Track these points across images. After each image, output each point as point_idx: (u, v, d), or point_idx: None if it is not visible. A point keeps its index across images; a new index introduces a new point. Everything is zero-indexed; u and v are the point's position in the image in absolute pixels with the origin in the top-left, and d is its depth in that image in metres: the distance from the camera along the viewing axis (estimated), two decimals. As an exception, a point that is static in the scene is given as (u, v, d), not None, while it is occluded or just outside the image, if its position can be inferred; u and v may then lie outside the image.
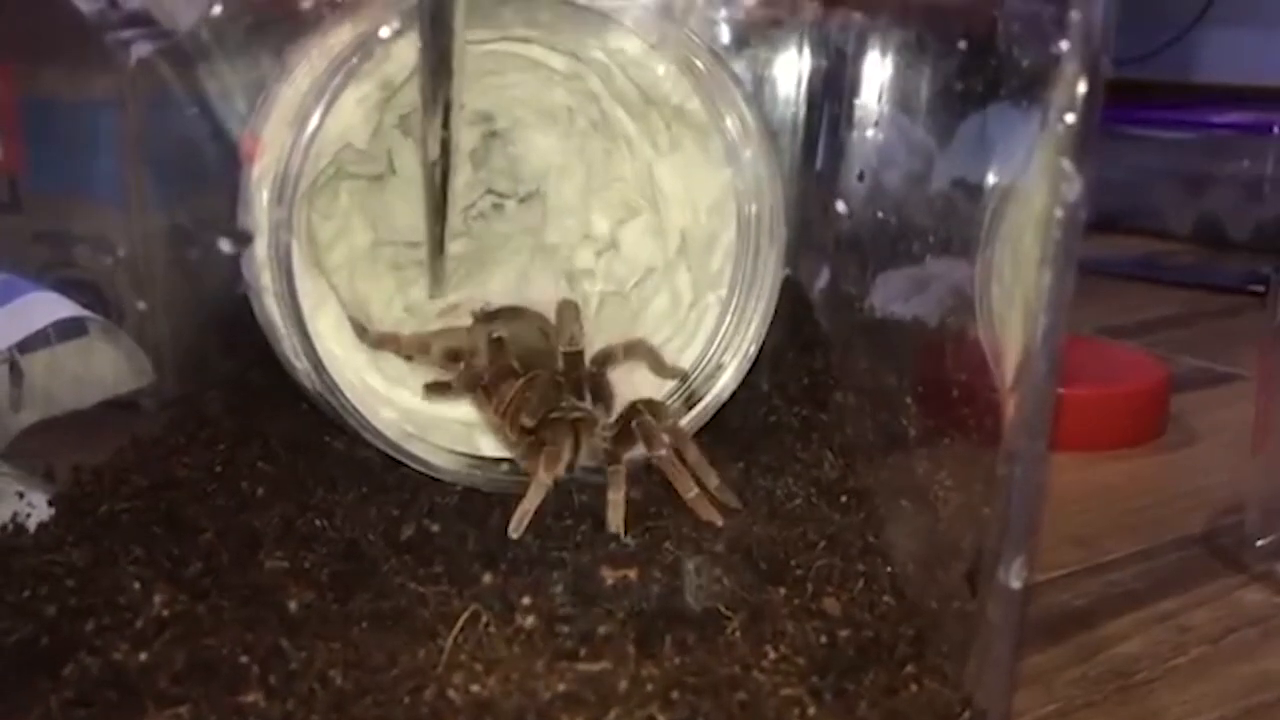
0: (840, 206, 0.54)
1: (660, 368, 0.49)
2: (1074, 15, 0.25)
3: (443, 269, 0.50)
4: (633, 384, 0.49)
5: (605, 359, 0.47)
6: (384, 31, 0.40)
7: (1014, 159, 0.34)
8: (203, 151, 0.54)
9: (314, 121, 0.40)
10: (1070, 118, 0.25)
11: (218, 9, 0.52)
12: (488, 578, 0.37)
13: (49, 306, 0.50)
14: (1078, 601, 0.45)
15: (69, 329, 0.51)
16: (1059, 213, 0.26)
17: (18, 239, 0.55)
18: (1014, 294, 0.32)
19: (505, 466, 0.46)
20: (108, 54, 0.53)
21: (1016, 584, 0.28)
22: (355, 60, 0.41)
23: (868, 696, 0.31)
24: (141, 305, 0.54)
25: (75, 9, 0.52)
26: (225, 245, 0.41)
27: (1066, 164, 0.25)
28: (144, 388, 0.54)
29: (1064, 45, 0.25)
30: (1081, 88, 0.25)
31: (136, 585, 0.36)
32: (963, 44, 0.40)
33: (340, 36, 0.42)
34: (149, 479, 0.44)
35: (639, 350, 0.48)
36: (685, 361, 0.49)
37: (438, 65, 0.34)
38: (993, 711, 0.31)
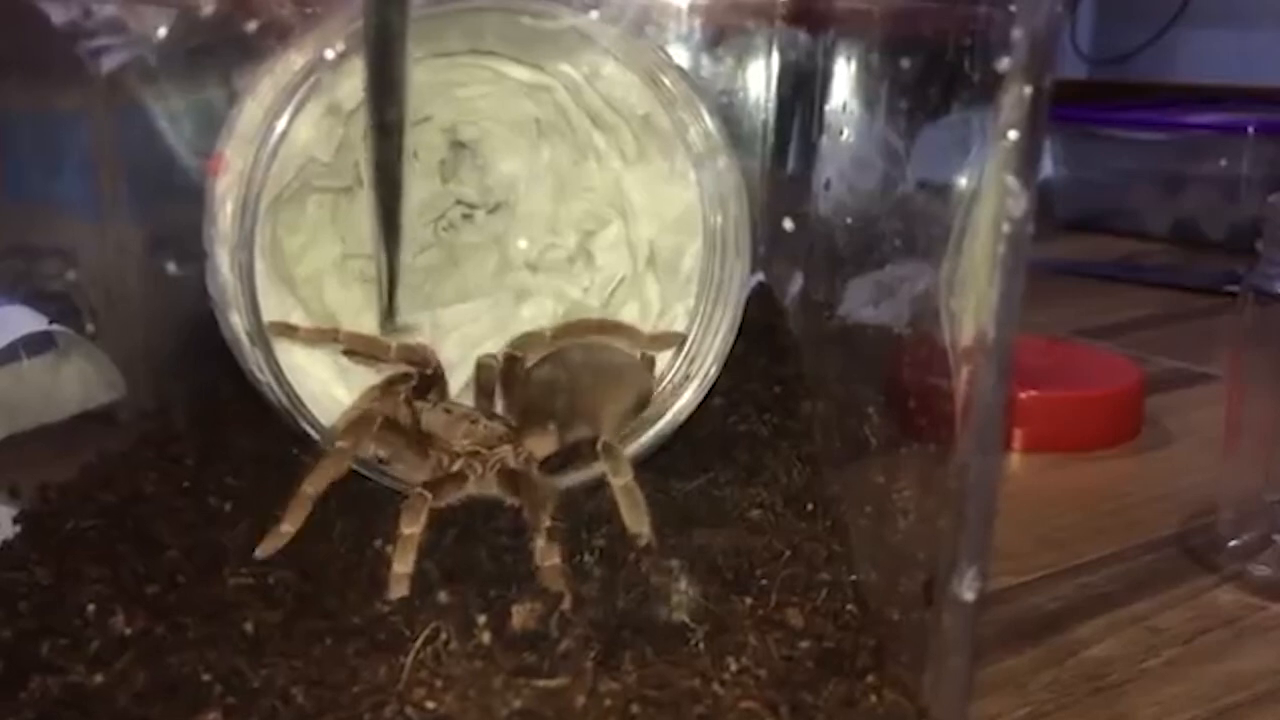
0: (787, 224, 0.54)
1: (642, 340, 0.48)
2: (1016, 33, 0.25)
3: (394, 301, 0.46)
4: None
5: (569, 332, 0.46)
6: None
7: (978, 167, 0.34)
8: (174, 164, 0.54)
9: (273, 138, 0.40)
10: (1014, 134, 0.25)
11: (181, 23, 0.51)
12: (448, 594, 0.37)
13: (17, 321, 0.50)
14: (1051, 604, 0.45)
15: (38, 343, 0.51)
16: (1005, 228, 0.26)
17: (-11, 253, 0.54)
18: (969, 303, 0.32)
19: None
20: (79, 65, 0.52)
21: (970, 595, 0.28)
22: (311, 78, 0.41)
23: (826, 708, 0.31)
24: (113, 318, 0.54)
25: (46, 19, 0.51)
26: (171, 266, 0.41)
27: (1011, 180, 0.25)
28: (115, 401, 0.53)
29: (1006, 62, 0.25)
30: (1026, 103, 0.25)
31: (98, 605, 0.36)
32: (925, 52, 0.40)
33: (305, 53, 0.42)
34: (116, 495, 0.44)
35: (614, 327, 0.48)
36: (653, 372, 0.49)
37: (382, 91, 0.34)
38: (949, 721, 0.31)
